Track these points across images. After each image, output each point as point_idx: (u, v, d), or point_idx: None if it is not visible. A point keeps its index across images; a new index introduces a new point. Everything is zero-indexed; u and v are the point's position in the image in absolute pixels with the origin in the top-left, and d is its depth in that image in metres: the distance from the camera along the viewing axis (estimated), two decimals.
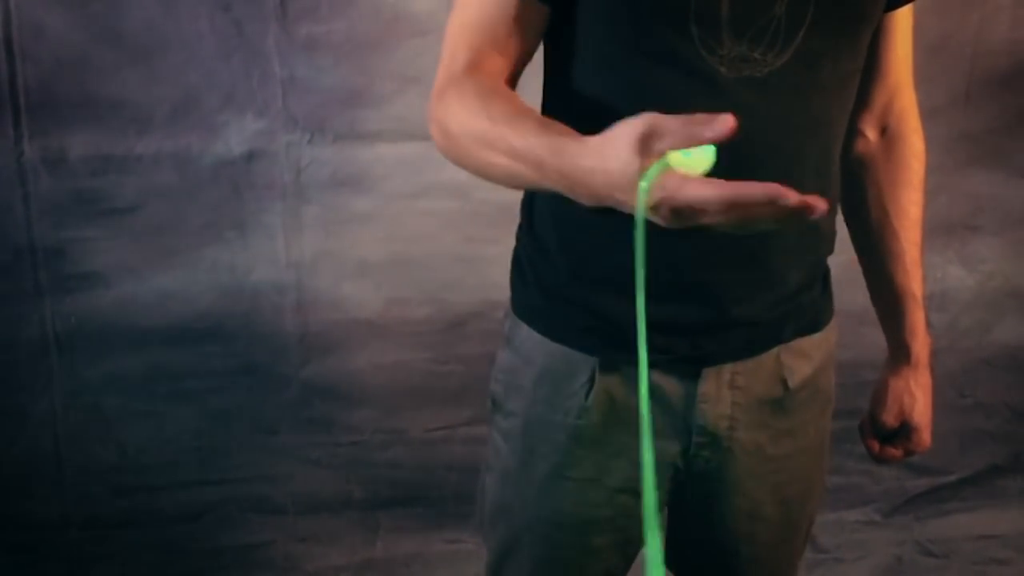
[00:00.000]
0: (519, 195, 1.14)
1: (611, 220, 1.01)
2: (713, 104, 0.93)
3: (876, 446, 1.24)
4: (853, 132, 1.13)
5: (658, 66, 0.92)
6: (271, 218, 1.82)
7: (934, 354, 1.22)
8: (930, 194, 1.19)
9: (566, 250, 1.04)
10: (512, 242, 1.13)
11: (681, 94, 0.93)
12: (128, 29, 1.68)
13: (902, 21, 1.09)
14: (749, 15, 0.90)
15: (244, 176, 1.78)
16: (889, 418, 1.21)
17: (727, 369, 1.05)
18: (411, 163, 1.80)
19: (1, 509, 1.91)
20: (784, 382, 1.09)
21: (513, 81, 0.98)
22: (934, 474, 2.16)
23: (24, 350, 1.83)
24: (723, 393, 1.06)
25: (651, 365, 0.80)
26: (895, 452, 1.24)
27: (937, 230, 1.94)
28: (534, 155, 0.82)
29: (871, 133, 1.15)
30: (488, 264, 1.79)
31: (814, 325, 1.11)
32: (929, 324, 1.21)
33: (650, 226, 0.95)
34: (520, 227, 1.12)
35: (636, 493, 1.09)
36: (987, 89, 1.92)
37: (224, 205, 1.79)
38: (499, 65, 0.96)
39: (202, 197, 1.78)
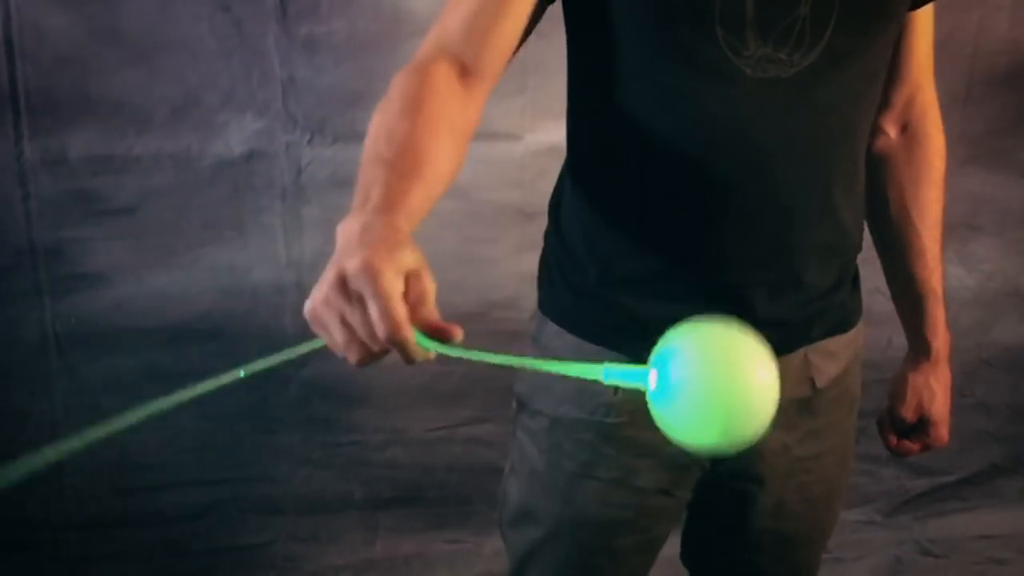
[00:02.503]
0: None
1: (638, 222, 1.01)
2: (738, 105, 0.93)
3: (894, 440, 1.25)
4: (874, 130, 1.12)
5: (683, 68, 0.92)
6: (271, 218, 1.81)
7: None
8: None
9: (594, 252, 1.04)
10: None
11: (707, 96, 0.93)
12: (128, 29, 1.68)
13: (923, 19, 1.08)
14: (774, 16, 0.90)
15: (244, 176, 1.78)
16: (908, 413, 1.22)
17: None
18: None
19: (1, 509, 1.91)
20: (812, 382, 1.09)
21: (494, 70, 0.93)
22: (934, 474, 2.17)
23: (24, 350, 1.82)
24: None
25: None
26: (913, 446, 1.25)
27: None
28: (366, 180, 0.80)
29: (892, 130, 1.15)
30: (488, 264, 1.79)
31: (842, 325, 1.11)
32: None
33: (687, 221, 0.93)
34: (548, 229, 1.13)
35: (663, 493, 1.10)
36: (987, 89, 1.92)
37: (224, 205, 1.79)
38: (484, 63, 0.90)
39: (202, 197, 1.78)
